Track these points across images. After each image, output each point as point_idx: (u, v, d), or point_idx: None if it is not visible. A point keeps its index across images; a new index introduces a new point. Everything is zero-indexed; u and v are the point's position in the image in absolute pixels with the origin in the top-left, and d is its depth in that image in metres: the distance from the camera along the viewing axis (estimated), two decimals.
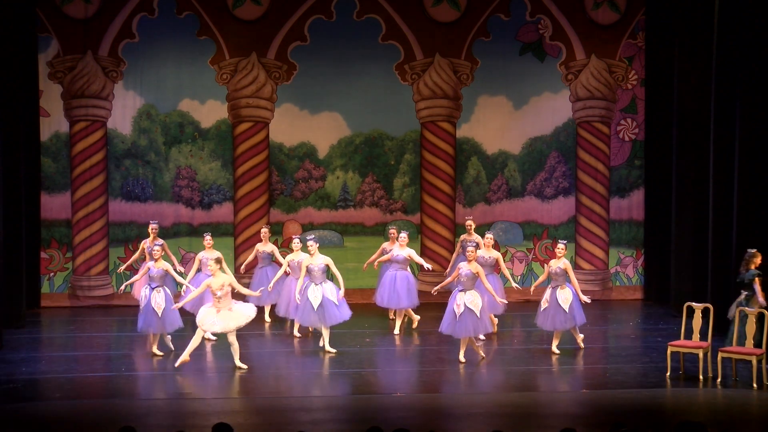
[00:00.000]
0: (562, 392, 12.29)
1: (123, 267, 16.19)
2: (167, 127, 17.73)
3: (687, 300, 13.51)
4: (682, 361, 12.87)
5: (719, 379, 12.44)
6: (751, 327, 12.45)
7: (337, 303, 14.06)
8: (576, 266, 18.28)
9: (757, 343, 12.47)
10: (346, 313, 14.22)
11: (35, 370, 13.12)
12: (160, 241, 15.02)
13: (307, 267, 14.21)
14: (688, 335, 12.87)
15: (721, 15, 14.82)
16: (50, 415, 11.27)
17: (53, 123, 17.44)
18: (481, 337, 14.66)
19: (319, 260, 14.16)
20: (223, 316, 13.02)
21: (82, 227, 17.47)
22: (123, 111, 17.62)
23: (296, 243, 14.86)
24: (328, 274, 14.45)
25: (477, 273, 13.45)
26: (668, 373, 12.71)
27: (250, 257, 16.09)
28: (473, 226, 15.85)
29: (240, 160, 17.83)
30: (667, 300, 17.16)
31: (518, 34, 18.07)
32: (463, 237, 15.87)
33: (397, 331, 15.35)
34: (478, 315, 13.33)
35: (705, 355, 12.61)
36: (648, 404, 11.69)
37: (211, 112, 17.81)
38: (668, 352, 12.80)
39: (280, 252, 16.14)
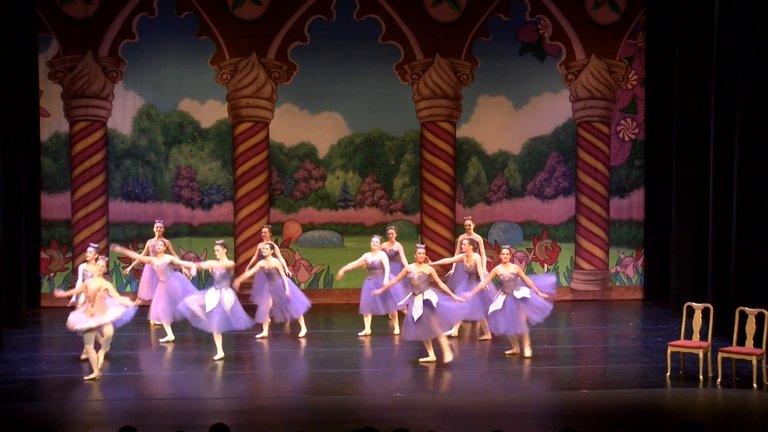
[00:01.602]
0: (562, 392, 12.29)
1: (128, 268, 16.29)
2: (167, 127, 17.74)
3: (687, 300, 13.51)
4: (682, 361, 12.87)
5: (719, 379, 12.44)
6: (751, 327, 12.45)
7: (229, 312, 13.58)
8: (576, 266, 18.29)
9: (757, 343, 12.47)
10: (239, 323, 13.75)
11: (35, 370, 13.12)
12: (106, 248, 14.29)
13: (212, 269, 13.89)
14: (688, 335, 12.87)
15: (721, 15, 14.81)
16: (50, 415, 11.27)
17: (53, 123, 17.45)
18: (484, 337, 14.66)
19: (224, 264, 13.80)
20: (96, 317, 12.60)
21: (82, 227, 17.47)
22: (123, 111, 17.63)
23: (267, 248, 14.66)
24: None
25: (430, 274, 13.42)
26: (668, 373, 12.71)
27: (254, 257, 16.03)
28: (472, 226, 15.86)
29: (240, 160, 17.84)
30: (667, 300, 17.17)
31: (518, 34, 18.08)
32: (462, 237, 15.86)
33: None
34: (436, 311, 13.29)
35: (705, 355, 12.61)
36: (648, 404, 11.68)
37: (211, 112, 17.82)
38: (668, 352, 12.80)
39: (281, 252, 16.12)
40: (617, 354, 14.32)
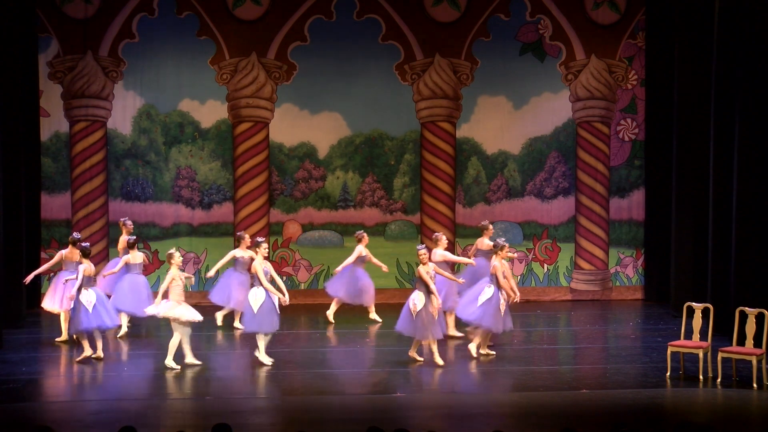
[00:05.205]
0: (562, 392, 12.29)
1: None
2: (167, 127, 17.74)
3: (687, 300, 13.52)
4: (682, 361, 12.88)
5: (719, 379, 12.45)
6: (751, 327, 12.45)
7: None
8: (576, 266, 18.29)
9: (757, 343, 12.47)
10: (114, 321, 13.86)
11: (35, 370, 13.13)
12: None
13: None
14: (688, 335, 12.88)
15: (721, 15, 14.81)
16: (50, 415, 11.28)
17: (53, 123, 17.44)
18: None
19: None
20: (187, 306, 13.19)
21: (82, 227, 17.44)
22: (123, 111, 17.62)
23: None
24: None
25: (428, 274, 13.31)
26: (668, 373, 12.72)
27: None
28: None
29: (240, 160, 17.84)
30: (667, 300, 17.17)
31: (518, 34, 18.08)
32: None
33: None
34: (414, 317, 13.23)
35: (705, 355, 12.62)
36: (648, 404, 11.69)
37: (211, 112, 17.81)
38: (668, 352, 12.81)
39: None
40: (617, 354, 14.33)
